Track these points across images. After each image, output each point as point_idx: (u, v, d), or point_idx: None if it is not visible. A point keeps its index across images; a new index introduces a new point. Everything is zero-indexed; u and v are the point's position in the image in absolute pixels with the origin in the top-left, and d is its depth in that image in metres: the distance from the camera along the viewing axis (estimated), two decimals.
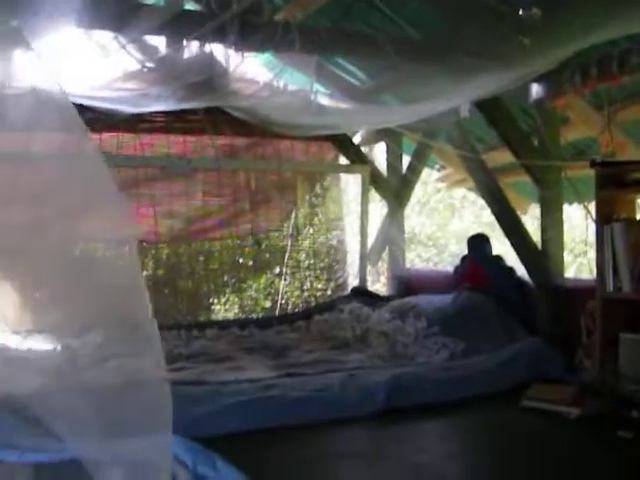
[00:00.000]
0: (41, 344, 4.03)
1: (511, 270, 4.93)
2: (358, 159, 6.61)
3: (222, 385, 3.48)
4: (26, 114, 3.49)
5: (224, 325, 5.63)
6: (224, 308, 7.87)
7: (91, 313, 3.48)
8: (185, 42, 4.01)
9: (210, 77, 3.88)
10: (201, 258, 7.27)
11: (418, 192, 8.13)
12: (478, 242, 5.34)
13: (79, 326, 3.67)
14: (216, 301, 7.76)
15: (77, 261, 3.83)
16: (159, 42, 4.09)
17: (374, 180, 6.51)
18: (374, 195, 6.99)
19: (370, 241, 6.67)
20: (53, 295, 4.13)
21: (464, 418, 3.45)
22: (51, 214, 3.36)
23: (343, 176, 7.77)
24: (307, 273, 7.61)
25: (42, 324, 4.22)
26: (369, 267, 6.90)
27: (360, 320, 5.08)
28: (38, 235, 3.73)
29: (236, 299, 7.99)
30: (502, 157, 5.26)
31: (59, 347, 3.89)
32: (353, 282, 7.41)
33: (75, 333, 3.88)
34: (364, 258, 6.58)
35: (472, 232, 6.16)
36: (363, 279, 6.58)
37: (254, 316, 7.28)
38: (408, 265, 7.06)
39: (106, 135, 5.57)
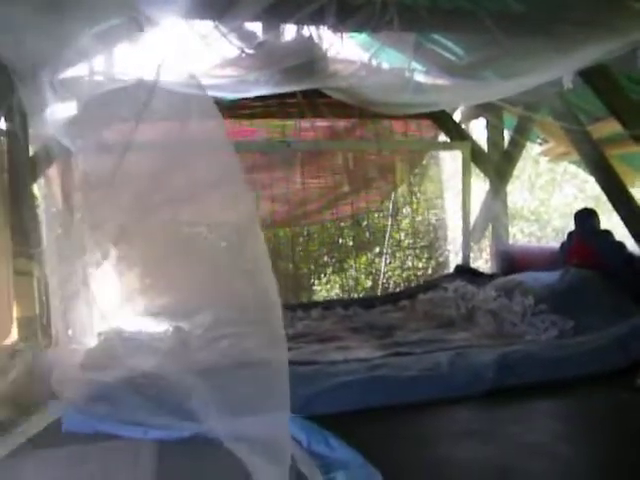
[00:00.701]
0: (154, 326, 4.22)
1: (621, 245, 4.77)
2: (458, 135, 6.50)
3: (331, 365, 3.54)
4: (136, 104, 3.64)
5: (328, 305, 5.69)
6: (325, 288, 7.97)
7: (200, 295, 3.61)
8: (283, 26, 4.06)
9: (309, 60, 3.91)
10: (301, 239, 7.37)
11: (519, 166, 7.94)
12: (585, 217, 5.17)
13: (189, 308, 3.82)
14: (317, 282, 7.86)
15: (185, 245, 3.98)
16: (257, 27, 4.16)
17: (475, 156, 6.40)
18: (475, 171, 6.88)
19: (472, 218, 6.56)
20: (163, 279, 4.31)
21: (575, 397, 3.36)
22: (162, 200, 3.50)
23: (442, 153, 7.70)
24: (408, 252, 7.59)
25: (154, 307, 4.42)
26: (472, 244, 6.80)
27: (465, 298, 5.03)
28: (149, 220, 3.89)
29: (337, 279, 8.08)
30: (608, 128, 5.07)
31: (171, 329, 4.08)
32: (454, 260, 7.35)
33: (185, 315, 4.04)
34: (467, 235, 6.48)
35: (576, 206, 5.98)
36: (466, 257, 6.49)
37: (356, 296, 7.33)
38: (511, 241, 6.94)
39: None
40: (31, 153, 4.39)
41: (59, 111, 3.91)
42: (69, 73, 4.10)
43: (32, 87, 3.28)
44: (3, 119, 4.04)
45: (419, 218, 7.64)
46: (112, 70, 4.43)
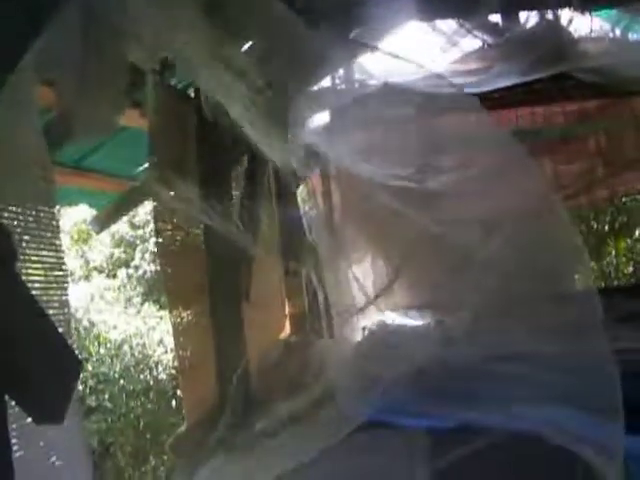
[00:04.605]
0: (416, 320, 4.37)
1: None
2: None
3: None
4: (383, 108, 3.80)
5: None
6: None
7: (460, 292, 3.68)
8: (526, 14, 4.01)
9: (557, 45, 3.82)
10: None
11: None
12: None
13: (450, 303, 3.90)
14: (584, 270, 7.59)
15: (442, 242, 4.07)
16: (497, 18, 4.14)
17: None
18: None
19: None
20: (421, 275, 4.45)
21: None
22: (422, 195, 3.62)
23: None
24: None
25: (414, 301, 4.57)
26: None
27: None
28: (407, 217, 4.03)
29: (594, 266, 7.75)
30: None
31: (432, 323, 4.19)
32: None
33: (447, 309, 4.13)
34: None
35: None
36: None
37: (617, 284, 6.99)
38: None
39: None
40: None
41: (314, 121, 4.20)
42: (318, 85, 4.40)
43: (294, 103, 3.56)
44: None
45: None
46: (354, 78, 4.66)
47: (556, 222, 2.73)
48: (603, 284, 7.50)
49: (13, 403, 1.59)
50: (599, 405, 2.24)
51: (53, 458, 2.08)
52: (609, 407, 2.21)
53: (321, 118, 4.36)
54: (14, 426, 1.81)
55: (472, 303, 3.33)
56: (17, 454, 1.81)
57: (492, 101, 5.73)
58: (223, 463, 2.94)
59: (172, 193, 3.59)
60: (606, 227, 7.71)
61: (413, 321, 4.36)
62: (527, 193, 2.91)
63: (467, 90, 4.52)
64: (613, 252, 7.64)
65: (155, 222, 3.84)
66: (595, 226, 7.76)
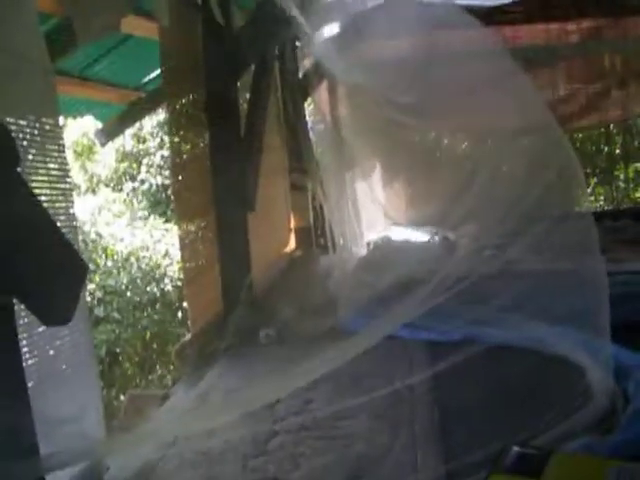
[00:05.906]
0: (420, 235, 4.39)
1: None
2: None
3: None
4: (394, 19, 3.71)
5: (595, 217, 5.44)
6: (588, 200, 7.64)
7: (466, 207, 3.67)
8: None
9: None
10: None
11: None
12: None
13: (455, 219, 3.91)
14: (581, 192, 7.55)
15: (447, 156, 4.02)
16: None
17: None
18: None
19: None
20: (427, 191, 4.43)
21: None
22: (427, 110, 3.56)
23: None
24: None
25: (419, 217, 4.58)
26: None
27: None
28: (412, 133, 3.98)
29: (601, 190, 7.71)
30: None
31: (437, 238, 4.22)
32: None
33: (451, 226, 4.14)
34: None
35: None
36: None
37: (624, 207, 6.96)
38: None
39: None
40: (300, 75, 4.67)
41: (324, 32, 4.10)
42: None
43: (305, 13, 3.47)
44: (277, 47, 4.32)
45: None
46: None
47: (554, 141, 2.71)
48: (611, 207, 7.49)
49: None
50: (590, 322, 2.29)
51: (62, 364, 2.12)
52: (598, 324, 2.26)
53: (330, 29, 4.26)
54: (25, 335, 1.84)
55: (476, 220, 3.34)
56: (29, 362, 1.85)
57: (506, 15, 5.60)
58: (227, 370, 3.00)
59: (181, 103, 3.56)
60: (617, 151, 7.63)
61: (418, 236, 4.39)
62: (524, 109, 2.87)
63: (481, 3, 4.41)
64: (622, 176, 7.58)
65: (168, 134, 3.80)
66: (606, 149, 7.67)
